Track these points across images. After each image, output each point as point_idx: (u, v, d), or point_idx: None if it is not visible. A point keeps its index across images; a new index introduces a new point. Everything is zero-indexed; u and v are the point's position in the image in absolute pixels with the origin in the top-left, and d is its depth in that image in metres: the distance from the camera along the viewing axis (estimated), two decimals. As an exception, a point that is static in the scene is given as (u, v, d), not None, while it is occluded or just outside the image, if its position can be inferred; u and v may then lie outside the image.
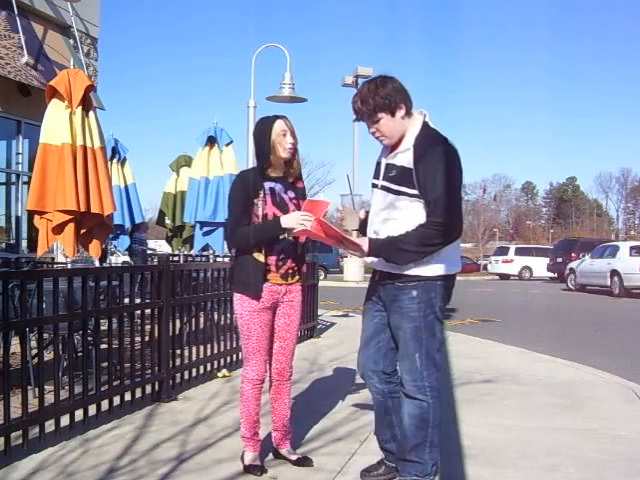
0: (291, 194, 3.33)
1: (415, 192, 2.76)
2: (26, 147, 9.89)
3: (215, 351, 5.60)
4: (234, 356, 6.01)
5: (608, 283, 18.61)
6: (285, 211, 3.24)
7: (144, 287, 5.16)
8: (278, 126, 3.23)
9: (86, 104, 5.62)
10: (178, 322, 5.18)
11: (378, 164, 2.99)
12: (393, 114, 2.83)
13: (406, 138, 2.85)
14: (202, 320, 5.69)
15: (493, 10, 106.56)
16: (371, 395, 3.16)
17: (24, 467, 3.35)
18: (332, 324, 9.73)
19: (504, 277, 31.66)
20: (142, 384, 4.63)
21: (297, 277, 3.35)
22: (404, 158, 2.81)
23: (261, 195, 3.22)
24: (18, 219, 9.95)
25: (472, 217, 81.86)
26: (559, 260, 27.19)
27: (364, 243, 2.82)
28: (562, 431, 4.16)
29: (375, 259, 2.90)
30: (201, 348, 5.46)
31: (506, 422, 4.37)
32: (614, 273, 18.29)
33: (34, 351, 4.27)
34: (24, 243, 9.96)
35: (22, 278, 3.74)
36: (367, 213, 3.02)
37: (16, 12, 9.05)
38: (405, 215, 2.81)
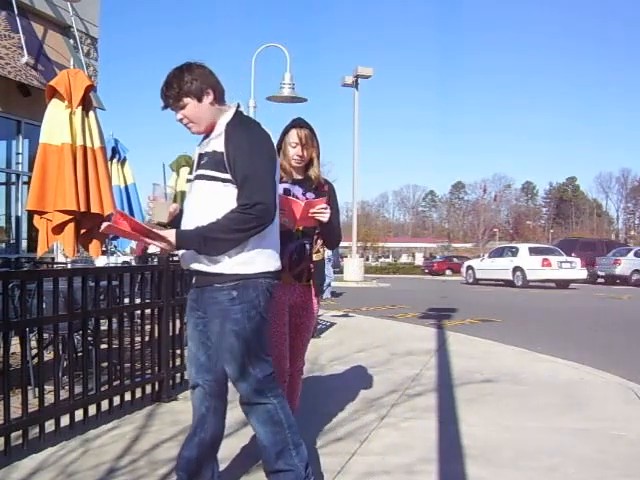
0: (310, 195, 3.32)
1: (228, 176, 2.63)
2: (26, 147, 9.88)
3: (215, 351, 5.60)
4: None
5: (510, 277, 23.19)
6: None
7: (144, 287, 5.16)
8: (290, 136, 3.28)
9: (86, 104, 5.62)
10: (178, 322, 5.18)
11: (193, 161, 2.88)
12: (200, 99, 2.70)
13: (218, 125, 2.73)
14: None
15: (494, 13, 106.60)
16: (192, 408, 2.89)
17: (24, 467, 3.35)
18: (332, 324, 9.73)
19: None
20: (142, 384, 4.63)
21: (311, 280, 3.35)
22: (216, 143, 2.68)
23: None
24: (18, 219, 9.94)
25: (472, 217, 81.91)
26: (559, 260, 27.31)
27: (171, 235, 2.62)
28: (562, 431, 4.16)
29: (186, 254, 2.72)
30: (201, 348, 5.46)
31: (506, 422, 4.37)
32: (517, 269, 22.94)
33: (34, 351, 4.27)
34: (24, 243, 9.95)
35: (22, 278, 3.74)
36: (181, 212, 2.85)
37: (16, 12, 9.04)
38: (219, 202, 2.63)
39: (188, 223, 2.73)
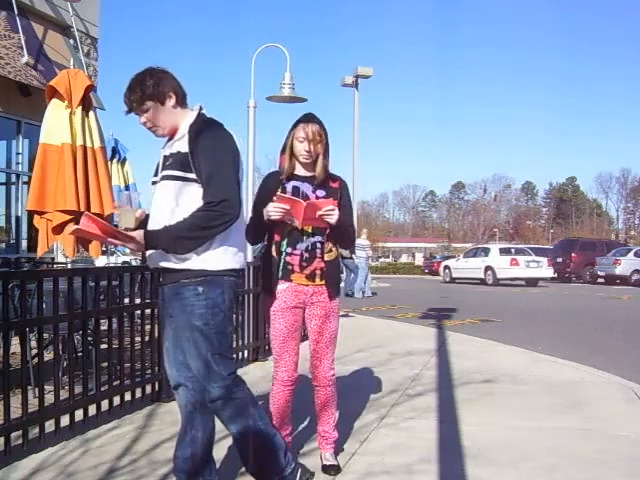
0: (321, 193, 3.23)
1: (193, 176, 2.68)
2: (26, 147, 9.88)
3: (215, 351, 5.60)
4: (234, 356, 6.01)
5: (482, 276, 24.88)
6: None
7: (144, 287, 5.16)
8: (298, 131, 3.20)
9: (86, 104, 5.62)
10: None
11: (158, 164, 2.90)
12: (162, 103, 2.77)
13: (181, 127, 2.81)
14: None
15: (494, 10, 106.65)
16: (179, 408, 2.94)
17: (24, 467, 3.35)
18: (332, 324, 9.71)
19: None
20: (142, 384, 4.63)
21: (325, 281, 3.24)
22: (180, 144, 2.75)
23: (279, 192, 3.17)
24: (18, 219, 9.94)
25: (472, 217, 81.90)
26: (559, 260, 27.34)
27: (139, 235, 2.65)
28: (562, 431, 4.16)
29: (154, 254, 2.75)
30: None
31: (506, 422, 4.37)
32: (488, 268, 24.75)
33: (34, 351, 4.27)
34: (24, 243, 9.95)
35: (22, 278, 3.74)
36: (147, 216, 2.87)
37: (16, 12, 9.04)
38: (185, 201, 2.69)
39: (155, 223, 2.76)
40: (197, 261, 2.70)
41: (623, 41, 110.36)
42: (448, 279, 27.51)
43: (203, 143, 2.69)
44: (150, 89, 2.75)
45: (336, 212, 3.08)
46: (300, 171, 3.26)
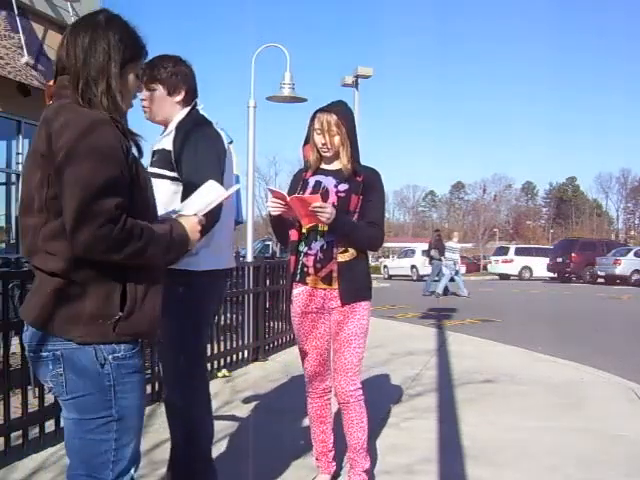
0: (343, 187, 2.95)
1: (175, 175, 2.62)
2: (26, 147, 9.87)
3: (215, 351, 5.60)
4: (234, 356, 6.01)
5: (410, 273, 30.64)
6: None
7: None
8: (314, 123, 2.97)
9: (86, 104, 5.61)
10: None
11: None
12: (170, 94, 2.73)
13: (171, 124, 2.74)
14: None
15: (493, 8, 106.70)
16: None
17: (24, 467, 3.35)
18: (332, 324, 9.72)
19: (504, 277, 31.71)
20: (142, 384, 4.62)
21: (339, 283, 2.95)
22: (166, 141, 2.69)
23: (298, 189, 3.01)
24: (18, 219, 9.95)
25: (472, 217, 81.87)
26: (559, 260, 27.40)
27: None
28: (562, 431, 4.16)
29: None
30: (201, 348, 5.45)
31: (506, 422, 4.37)
32: (413, 267, 30.57)
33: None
34: (24, 243, 9.95)
35: (22, 278, 3.74)
36: None
37: (16, 12, 9.03)
38: (167, 200, 2.58)
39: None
40: (180, 262, 2.64)
41: (624, 42, 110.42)
42: (386, 276, 32.77)
43: (186, 141, 2.64)
44: (166, 75, 2.71)
45: (327, 210, 2.76)
46: (326, 165, 3.03)
